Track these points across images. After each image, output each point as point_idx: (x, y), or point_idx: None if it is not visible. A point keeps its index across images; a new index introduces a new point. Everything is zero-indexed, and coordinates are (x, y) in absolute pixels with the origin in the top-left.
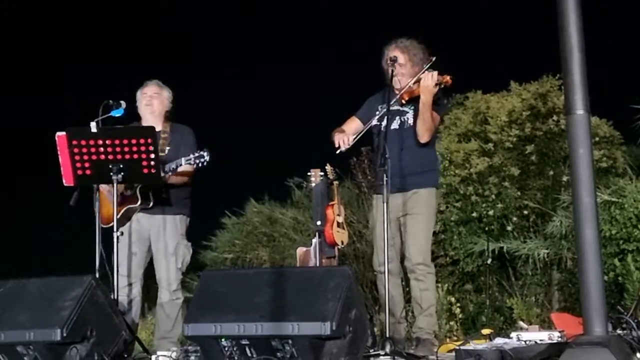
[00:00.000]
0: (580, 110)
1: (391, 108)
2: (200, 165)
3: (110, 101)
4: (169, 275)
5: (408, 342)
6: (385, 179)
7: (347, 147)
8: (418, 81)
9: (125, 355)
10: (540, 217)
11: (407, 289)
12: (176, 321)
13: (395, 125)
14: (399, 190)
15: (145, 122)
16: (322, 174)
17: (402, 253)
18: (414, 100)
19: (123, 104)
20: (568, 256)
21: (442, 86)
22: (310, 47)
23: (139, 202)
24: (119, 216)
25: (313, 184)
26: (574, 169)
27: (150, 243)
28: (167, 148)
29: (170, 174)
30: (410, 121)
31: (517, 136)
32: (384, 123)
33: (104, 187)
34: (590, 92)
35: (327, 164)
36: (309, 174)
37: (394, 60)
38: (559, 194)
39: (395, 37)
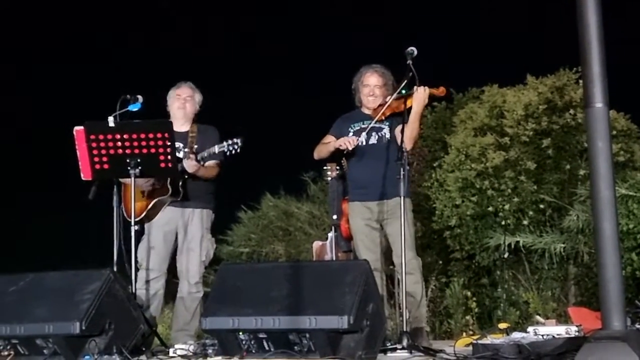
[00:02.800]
0: (599, 103)
1: (369, 125)
2: (232, 151)
3: (128, 95)
4: (192, 268)
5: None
6: (402, 172)
7: (354, 146)
8: (398, 99)
9: (144, 349)
10: (557, 211)
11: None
12: (194, 314)
13: (373, 140)
14: (380, 199)
15: (175, 122)
16: (338, 168)
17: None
18: (392, 116)
19: (140, 98)
20: (585, 250)
21: (437, 97)
22: (323, 40)
23: (169, 193)
24: (149, 208)
25: (329, 178)
26: (593, 163)
27: (177, 236)
28: (195, 146)
29: (202, 162)
30: (387, 136)
31: (534, 130)
32: (362, 139)
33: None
34: (608, 84)
35: (343, 158)
36: (325, 168)
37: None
38: (575, 188)
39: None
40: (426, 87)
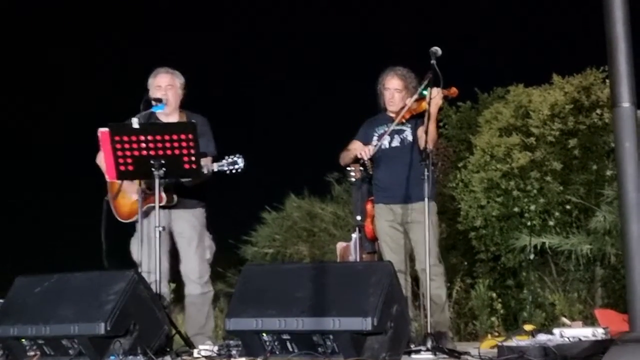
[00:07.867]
0: (626, 102)
1: (386, 130)
2: (234, 172)
3: (151, 96)
4: (199, 269)
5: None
6: (426, 173)
7: (369, 156)
8: (417, 100)
9: (168, 349)
10: (583, 212)
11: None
12: (208, 315)
13: (396, 143)
14: (404, 202)
15: (161, 113)
16: (362, 168)
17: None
18: (413, 118)
19: (164, 99)
20: (612, 252)
21: (449, 98)
22: (351, 41)
23: (164, 201)
24: (141, 213)
25: (353, 179)
26: (620, 163)
27: (174, 238)
28: None
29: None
30: (410, 138)
31: (560, 130)
32: (384, 142)
33: (128, 184)
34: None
35: (367, 159)
36: (348, 169)
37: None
38: (602, 188)
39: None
40: (439, 89)
